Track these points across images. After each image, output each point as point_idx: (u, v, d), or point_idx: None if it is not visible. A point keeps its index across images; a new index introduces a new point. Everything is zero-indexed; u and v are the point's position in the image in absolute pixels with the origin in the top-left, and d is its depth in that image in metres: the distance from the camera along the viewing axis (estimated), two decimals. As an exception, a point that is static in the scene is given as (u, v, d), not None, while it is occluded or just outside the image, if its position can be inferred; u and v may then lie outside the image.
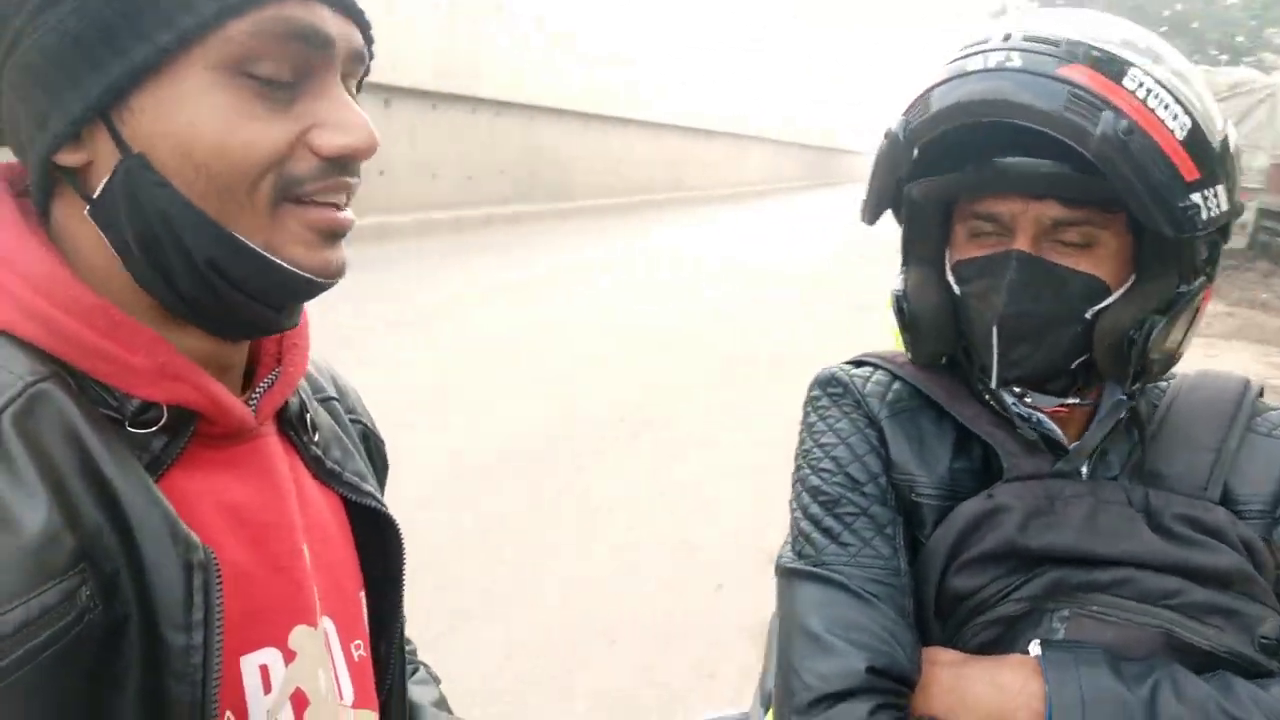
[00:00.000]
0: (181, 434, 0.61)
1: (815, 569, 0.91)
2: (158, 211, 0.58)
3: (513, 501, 4.28)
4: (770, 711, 1.42)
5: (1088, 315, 0.87)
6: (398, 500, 0.89)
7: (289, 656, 0.65)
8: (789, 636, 0.90)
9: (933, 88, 0.87)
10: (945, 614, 0.91)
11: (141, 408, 0.59)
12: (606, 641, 3.24)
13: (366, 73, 0.68)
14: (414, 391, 5.74)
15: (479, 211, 15.63)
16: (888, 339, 1.11)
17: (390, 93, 13.91)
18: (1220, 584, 0.83)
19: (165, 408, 0.60)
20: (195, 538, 0.56)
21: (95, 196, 0.59)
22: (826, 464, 0.97)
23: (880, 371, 1.02)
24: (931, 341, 0.96)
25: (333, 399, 0.84)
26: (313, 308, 0.71)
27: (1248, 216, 15.39)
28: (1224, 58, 39.99)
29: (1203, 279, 0.88)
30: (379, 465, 0.89)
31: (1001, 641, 0.86)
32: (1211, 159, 0.82)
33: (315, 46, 0.60)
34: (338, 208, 0.63)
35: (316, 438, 0.76)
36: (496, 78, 16.84)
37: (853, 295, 10.77)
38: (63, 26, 0.55)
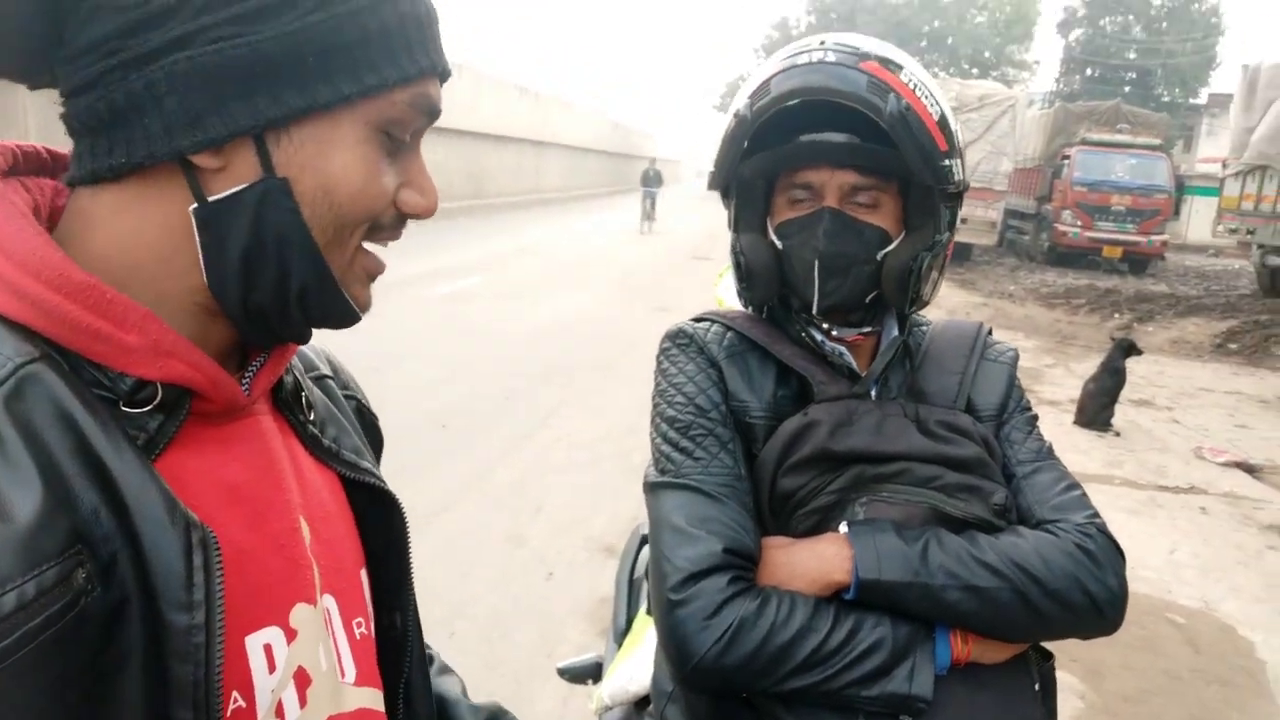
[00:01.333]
0: (177, 412, 0.61)
1: (675, 479, 1.13)
2: (278, 233, 0.61)
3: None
4: (622, 646, 1.65)
5: (878, 257, 1.15)
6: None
7: (290, 635, 0.64)
8: (658, 534, 1.10)
9: (771, 77, 1.14)
10: (776, 511, 1.15)
11: (136, 386, 0.58)
12: (446, 634, 3.37)
13: None
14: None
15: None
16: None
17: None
18: (966, 469, 1.15)
19: (160, 386, 0.59)
20: (194, 516, 0.56)
21: (213, 200, 0.60)
22: (679, 398, 1.19)
23: (716, 325, 1.29)
24: (763, 288, 1.20)
25: (327, 377, 0.85)
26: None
27: (996, 216, 17.16)
28: (974, 71, 44.06)
29: (948, 233, 1.19)
30: (374, 439, 0.91)
31: (819, 527, 1.12)
32: (952, 138, 1.14)
33: (432, 120, 0.68)
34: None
35: (312, 416, 0.76)
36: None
37: (655, 299, 11.25)
38: (259, 46, 0.58)
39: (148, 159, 0.59)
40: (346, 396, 0.87)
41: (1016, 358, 1.32)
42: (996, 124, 16.37)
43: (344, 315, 0.68)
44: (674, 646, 1.04)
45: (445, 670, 1.02)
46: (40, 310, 0.56)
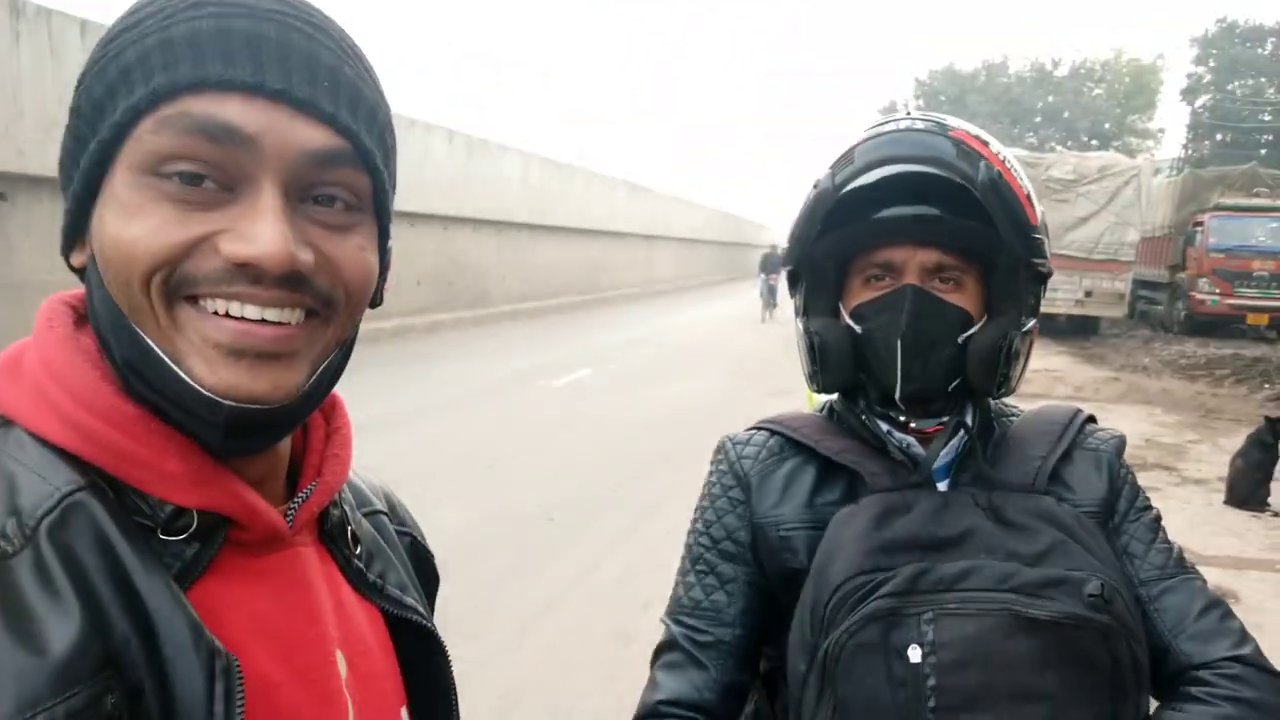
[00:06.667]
0: (213, 541, 0.61)
1: (669, 620, 1.18)
2: (96, 310, 0.62)
3: (447, 604, 4.31)
4: None
5: (960, 340, 1.08)
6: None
7: None
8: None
9: (855, 146, 1.10)
10: (832, 615, 1.01)
11: (174, 514, 0.60)
12: (550, 737, 3.30)
13: (377, 179, 0.65)
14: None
15: (391, 323, 15.71)
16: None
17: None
18: (1046, 559, 0.99)
19: (196, 513, 0.60)
20: (219, 644, 0.56)
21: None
22: (700, 525, 1.19)
23: (761, 433, 1.23)
24: (836, 371, 1.14)
25: (381, 513, 0.84)
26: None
27: (1124, 288, 16.44)
28: (1094, 143, 42.92)
29: (1034, 319, 1.12)
30: (428, 577, 0.90)
31: (881, 646, 0.97)
32: (1040, 216, 1.11)
33: (229, 144, 0.57)
34: (264, 323, 0.60)
35: (358, 550, 0.75)
36: (410, 191, 17.14)
37: (770, 382, 11.12)
38: (70, 133, 0.62)
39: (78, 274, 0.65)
40: (401, 533, 0.87)
41: (1122, 445, 1.18)
42: (1120, 194, 15.83)
43: (190, 397, 0.59)
44: None
45: None
46: (88, 439, 0.59)
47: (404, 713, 0.76)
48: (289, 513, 0.67)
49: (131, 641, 0.53)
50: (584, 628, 4.22)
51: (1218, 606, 1.05)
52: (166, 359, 0.59)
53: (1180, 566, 1.09)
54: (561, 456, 7.54)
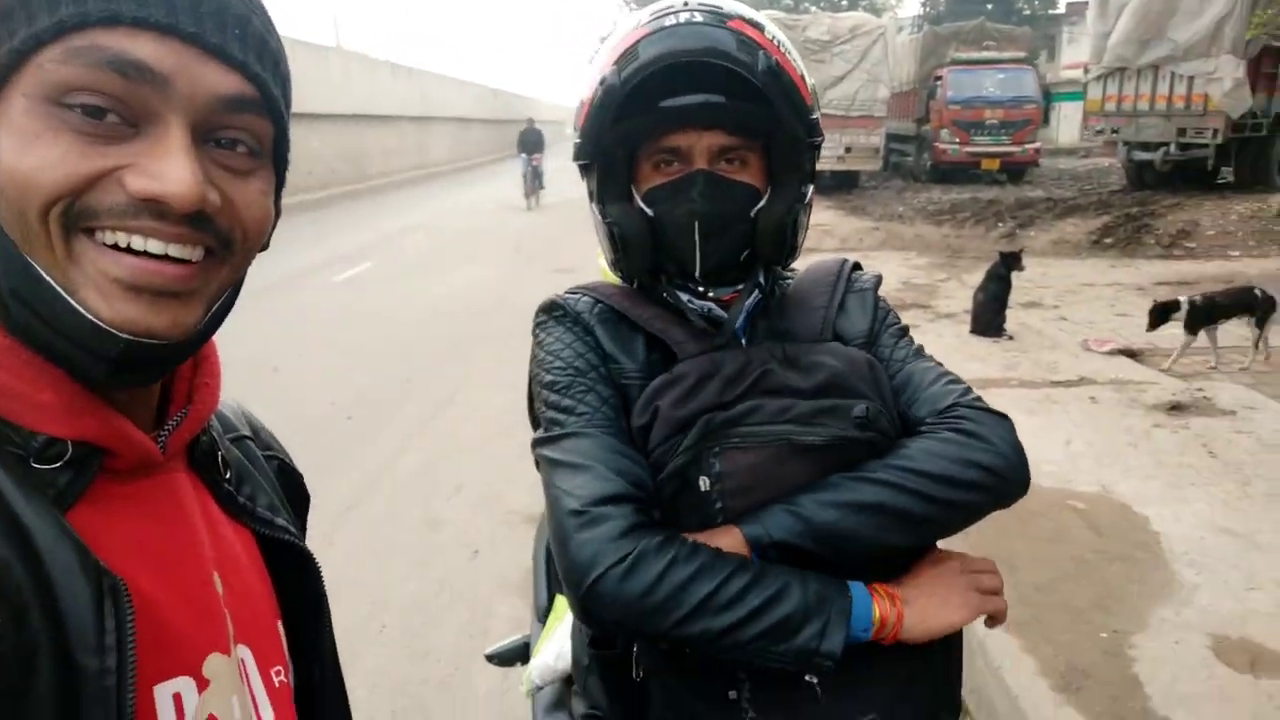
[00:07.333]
0: (87, 469, 0.62)
1: (560, 431, 1.11)
2: None
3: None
4: (545, 623, 1.63)
5: (751, 214, 1.15)
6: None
7: (202, 684, 0.65)
8: (550, 478, 1.08)
9: (637, 42, 1.10)
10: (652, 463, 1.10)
11: (46, 443, 0.60)
12: (376, 629, 3.33)
13: (280, 126, 0.67)
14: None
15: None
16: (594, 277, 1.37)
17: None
18: (821, 394, 1.11)
19: (70, 443, 0.61)
20: (105, 565, 0.57)
21: None
22: (556, 363, 1.17)
23: (586, 297, 1.27)
24: (639, 256, 1.18)
25: (246, 438, 0.86)
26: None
27: (879, 142, 17.50)
28: (844, 3, 44.54)
29: (811, 185, 1.19)
30: (298, 498, 0.93)
31: (683, 492, 1.08)
32: (814, 93, 1.17)
33: (140, 81, 0.58)
34: (167, 259, 0.60)
35: (228, 475, 0.77)
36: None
37: (551, 261, 11.16)
38: None
39: None
40: (268, 457, 0.89)
41: (878, 281, 1.32)
42: (870, 52, 16.65)
43: (84, 329, 0.59)
44: (574, 565, 1.00)
45: None
46: None
47: (279, 626, 0.79)
48: (160, 439, 0.68)
49: (14, 566, 0.53)
50: (393, 519, 4.23)
51: (945, 376, 1.20)
52: (60, 290, 0.59)
53: (918, 356, 1.24)
54: (350, 354, 7.32)
